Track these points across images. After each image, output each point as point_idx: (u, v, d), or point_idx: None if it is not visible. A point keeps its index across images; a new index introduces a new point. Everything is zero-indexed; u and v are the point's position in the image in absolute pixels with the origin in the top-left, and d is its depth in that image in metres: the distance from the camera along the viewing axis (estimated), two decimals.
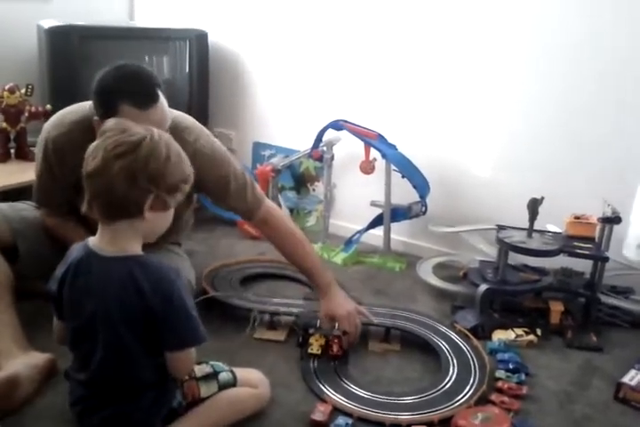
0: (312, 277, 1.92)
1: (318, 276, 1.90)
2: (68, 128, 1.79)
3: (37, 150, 1.88)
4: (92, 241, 1.33)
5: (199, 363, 1.48)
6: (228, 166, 1.89)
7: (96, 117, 1.64)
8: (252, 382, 1.53)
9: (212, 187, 1.88)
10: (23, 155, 2.57)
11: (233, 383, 1.49)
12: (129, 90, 1.57)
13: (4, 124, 2.52)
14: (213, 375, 1.47)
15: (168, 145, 1.29)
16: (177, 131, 1.75)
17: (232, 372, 1.51)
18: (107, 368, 1.34)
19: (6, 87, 2.48)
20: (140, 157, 1.24)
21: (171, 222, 1.38)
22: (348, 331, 1.80)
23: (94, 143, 1.27)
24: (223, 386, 1.47)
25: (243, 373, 1.53)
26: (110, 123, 1.31)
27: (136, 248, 1.32)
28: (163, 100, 1.63)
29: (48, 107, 2.51)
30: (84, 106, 1.80)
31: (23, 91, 2.52)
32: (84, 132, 1.69)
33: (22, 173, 2.39)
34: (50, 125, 1.84)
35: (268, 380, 1.57)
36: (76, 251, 1.36)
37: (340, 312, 1.82)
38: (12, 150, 2.60)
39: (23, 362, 1.56)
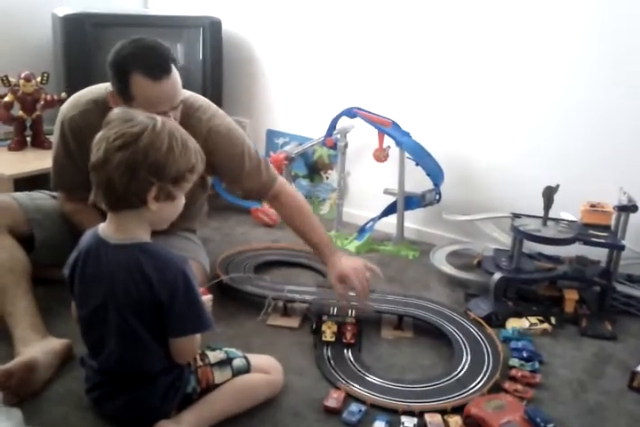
0: (317, 248, 1.93)
1: (324, 247, 1.91)
2: (83, 107, 1.82)
3: (55, 132, 1.91)
4: (102, 228, 1.34)
5: (213, 349, 1.50)
6: (242, 145, 1.91)
7: (111, 89, 1.69)
8: (265, 368, 1.54)
9: (226, 166, 1.89)
10: (39, 143, 2.59)
11: (247, 370, 1.50)
12: (142, 60, 1.60)
13: (21, 113, 2.53)
14: (227, 362, 1.48)
15: (172, 134, 1.27)
16: (192, 110, 1.82)
17: (246, 358, 1.52)
18: (118, 356, 1.36)
19: (22, 75, 2.50)
20: (139, 148, 1.23)
21: (183, 209, 1.38)
22: (357, 288, 1.81)
23: (99, 133, 1.28)
24: (237, 372, 1.48)
25: (256, 359, 1.54)
26: (115, 111, 1.31)
27: (143, 236, 1.33)
28: (175, 74, 1.66)
29: (63, 95, 2.51)
30: (100, 87, 1.83)
31: (39, 79, 2.53)
32: (100, 111, 1.70)
33: (38, 161, 2.41)
34: (66, 106, 1.87)
35: (281, 366, 1.58)
36: (86, 238, 1.37)
37: (347, 271, 1.81)
38: (29, 138, 2.61)
39: (40, 347, 1.58)
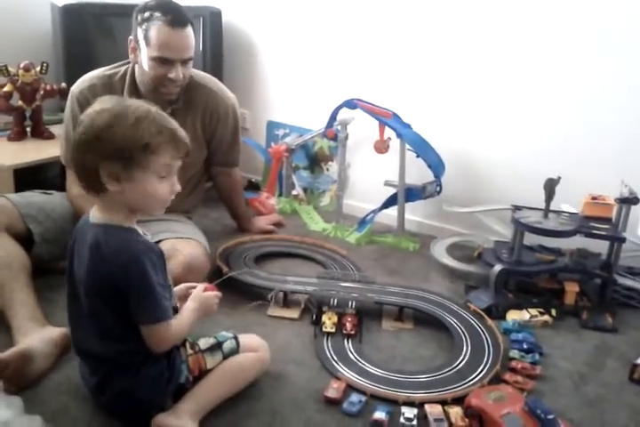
0: (239, 217, 2.51)
1: (243, 218, 2.51)
2: (90, 82, 2.03)
3: (66, 110, 2.07)
4: (92, 210, 1.36)
5: (202, 336, 1.50)
6: (240, 128, 2.29)
7: (130, 37, 1.95)
8: (254, 347, 1.55)
9: (224, 139, 2.22)
10: (39, 133, 2.58)
11: (236, 351, 1.50)
12: (165, 11, 1.88)
13: (20, 103, 2.51)
14: (217, 346, 1.48)
15: (119, 113, 1.26)
16: (220, 89, 2.17)
17: (236, 338, 1.52)
18: (91, 339, 1.35)
19: (21, 65, 2.48)
20: (82, 126, 1.27)
21: (179, 195, 1.37)
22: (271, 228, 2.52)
23: None
24: (227, 355, 1.48)
25: (243, 338, 1.55)
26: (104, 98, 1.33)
27: (121, 219, 1.32)
28: (190, 31, 1.93)
29: (63, 85, 2.51)
30: (105, 68, 2.06)
31: (38, 69, 2.51)
32: (106, 85, 2.01)
33: (38, 151, 2.41)
34: (75, 84, 2.06)
35: (266, 343, 1.59)
36: (80, 220, 1.39)
37: (261, 225, 2.52)
38: (28, 129, 2.60)
39: (38, 337, 1.58)
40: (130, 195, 1.29)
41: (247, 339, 1.57)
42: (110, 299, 1.30)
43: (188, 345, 1.45)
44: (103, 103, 1.29)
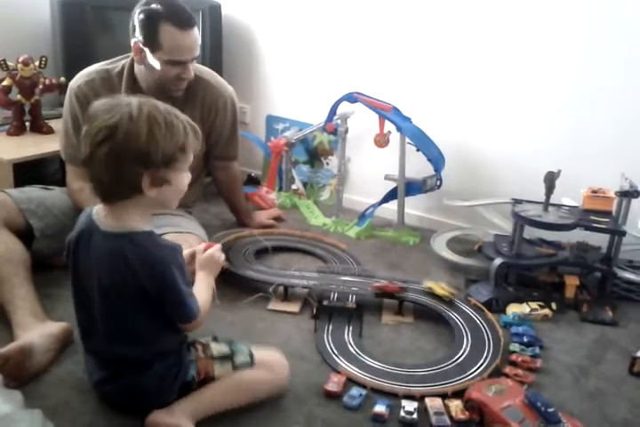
0: (239, 212, 2.50)
1: (242, 212, 2.49)
2: (89, 77, 2.00)
3: (64, 106, 2.05)
4: (96, 211, 1.32)
5: (218, 342, 1.47)
6: (238, 122, 2.29)
7: (134, 39, 1.90)
8: (270, 365, 1.48)
9: (223, 133, 2.22)
10: (38, 127, 2.57)
11: (249, 365, 1.45)
12: (172, 12, 1.85)
13: (19, 97, 2.51)
14: (229, 357, 1.44)
15: (151, 118, 1.22)
16: (218, 82, 2.16)
17: (251, 356, 1.46)
18: (106, 339, 1.35)
19: (20, 59, 2.47)
20: (118, 141, 1.20)
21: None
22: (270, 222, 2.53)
23: (84, 128, 1.26)
24: (238, 368, 1.44)
25: (262, 354, 1.49)
26: (96, 104, 1.27)
27: (139, 224, 1.30)
28: (197, 29, 1.92)
29: (62, 79, 2.50)
30: (102, 63, 2.04)
31: (37, 63, 2.50)
32: (105, 80, 1.99)
33: (37, 146, 2.40)
34: (73, 80, 2.04)
35: (287, 362, 1.52)
36: (82, 219, 1.36)
37: (262, 219, 2.52)
38: (27, 123, 2.59)
39: (38, 331, 1.58)
40: (163, 196, 1.29)
41: (266, 355, 1.50)
42: (133, 298, 1.30)
43: (200, 347, 1.44)
44: (111, 110, 1.22)
